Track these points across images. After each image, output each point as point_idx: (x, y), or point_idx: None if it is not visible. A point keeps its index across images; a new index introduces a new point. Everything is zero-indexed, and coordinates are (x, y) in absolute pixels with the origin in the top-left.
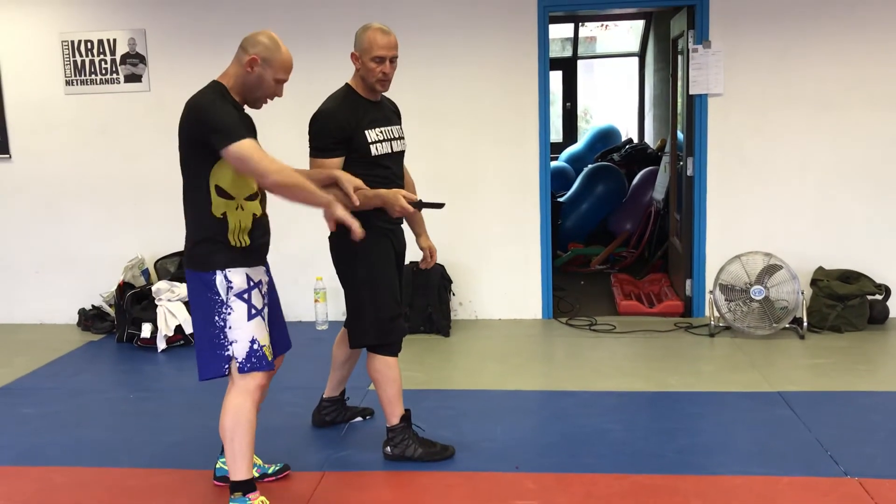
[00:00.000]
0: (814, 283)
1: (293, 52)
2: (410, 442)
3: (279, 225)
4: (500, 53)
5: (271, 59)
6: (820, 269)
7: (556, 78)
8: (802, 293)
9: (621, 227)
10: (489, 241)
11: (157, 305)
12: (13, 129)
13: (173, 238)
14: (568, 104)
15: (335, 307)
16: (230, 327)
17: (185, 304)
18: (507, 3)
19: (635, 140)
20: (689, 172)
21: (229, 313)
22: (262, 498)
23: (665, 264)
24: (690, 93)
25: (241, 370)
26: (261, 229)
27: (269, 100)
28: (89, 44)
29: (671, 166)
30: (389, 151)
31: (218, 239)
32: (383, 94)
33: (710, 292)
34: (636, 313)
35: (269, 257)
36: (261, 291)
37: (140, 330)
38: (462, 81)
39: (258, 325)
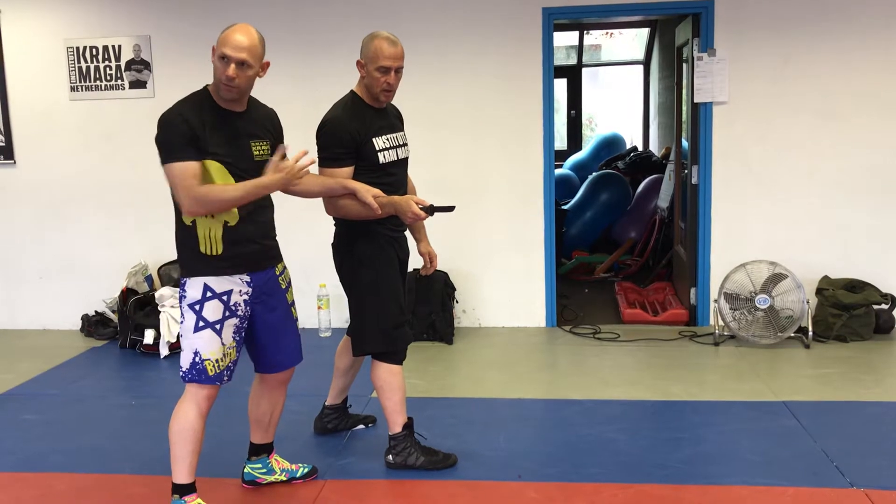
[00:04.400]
0: (819, 292)
1: (299, 59)
2: (413, 450)
3: (281, 232)
4: (504, 61)
5: (218, 41)
6: (825, 278)
7: (560, 86)
8: (808, 302)
9: (626, 235)
10: (493, 248)
11: (160, 312)
12: (18, 135)
13: None
14: (572, 112)
15: (338, 314)
16: (181, 335)
17: None
18: (512, 11)
19: (640, 148)
20: (693, 180)
21: (181, 322)
22: (199, 500)
23: (669, 273)
24: (695, 101)
25: (183, 379)
26: (235, 237)
27: (227, 84)
28: (94, 50)
29: (676, 174)
30: (396, 159)
31: (189, 244)
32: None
33: (715, 301)
34: (640, 322)
35: None
36: (222, 302)
37: (143, 336)
38: (467, 88)
39: (206, 337)
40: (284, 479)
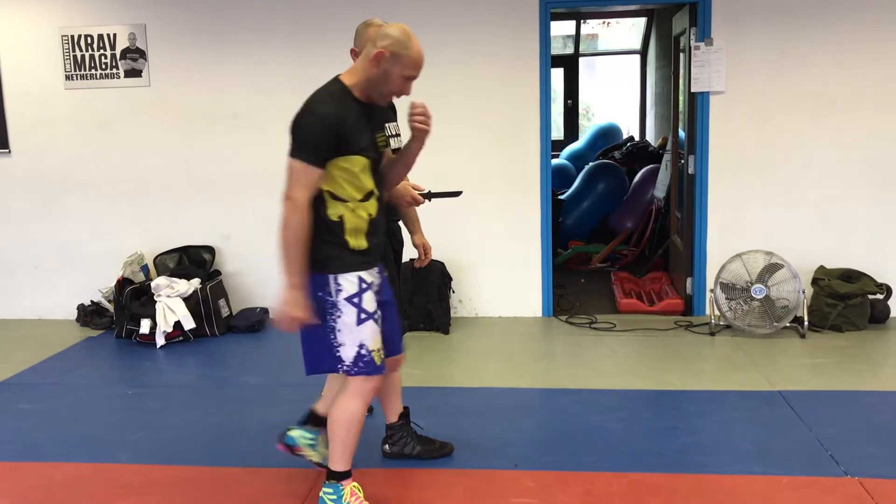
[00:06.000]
0: (815, 282)
1: (294, 48)
2: (409, 439)
3: (275, 225)
4: (501, 50)
5: (400, 54)
6: (821, 267)
7: (557, 75)
8: (803, 292)
9: (622, 225)
10: (489, 238)
11: (156, 301)
12: (13, 124)
13: (172, 234)
14: (569, 101)
15: None
16: (339, 330)
17: (184, 300)
18: (509, 0)
19: (636, 138)
20: (690, 170)
21: (339, 316)
22: (355, 484)
23: (666, 262)
24: (692, 90)
25: (349, 373)
26: (375, 229)
27: (395, 96)
28: (89, 38)
29: (672, 164)
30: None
31: (335, 241)
32: None
33: (711, 291)
34: (636, 311)
35: (273, 253)
36: (373, 293)
37: (139, 326)
38: (463, 78)
39: (367, 329)
40: (319, 461)
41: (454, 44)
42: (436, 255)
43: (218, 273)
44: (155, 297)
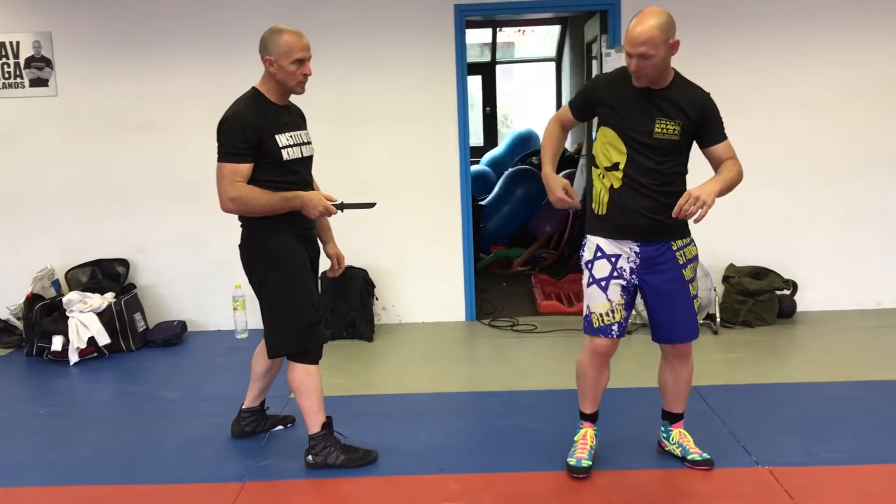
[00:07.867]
0: (725, 279)
1: (207, 56)
2: (333, 449)
3: (195, 232)
4: (417, 58)
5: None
6: (731, 265)
7: (475, 83)
8: (715, 290)
9: (541, 229)
10: (411, 244)
11: (68, 317)
12: None
13: (84, 247)
14: (487, 108)
15: (254, 315)
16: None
17: (98, 315)
18: (424, 8)
19: None
20: None
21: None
22: (592, 431)
23: None
24: None
25: (584, 330)
26: (616, 205)
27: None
28: None
29: (587, 169)
30: (300, 156)
31: (590, 204)
32: (289, 99)
33: None
34: (556, 313)
35: (189, 265)
36: (610, 263)
37: (51, 343)
38: (380, 86)
39: (593, 293)
40: (678, 453)
41: (371, 51)
42: (358, 261)
43: (133, 286)
44: (67, 313)
